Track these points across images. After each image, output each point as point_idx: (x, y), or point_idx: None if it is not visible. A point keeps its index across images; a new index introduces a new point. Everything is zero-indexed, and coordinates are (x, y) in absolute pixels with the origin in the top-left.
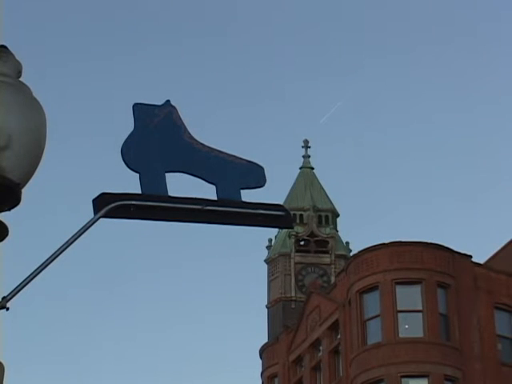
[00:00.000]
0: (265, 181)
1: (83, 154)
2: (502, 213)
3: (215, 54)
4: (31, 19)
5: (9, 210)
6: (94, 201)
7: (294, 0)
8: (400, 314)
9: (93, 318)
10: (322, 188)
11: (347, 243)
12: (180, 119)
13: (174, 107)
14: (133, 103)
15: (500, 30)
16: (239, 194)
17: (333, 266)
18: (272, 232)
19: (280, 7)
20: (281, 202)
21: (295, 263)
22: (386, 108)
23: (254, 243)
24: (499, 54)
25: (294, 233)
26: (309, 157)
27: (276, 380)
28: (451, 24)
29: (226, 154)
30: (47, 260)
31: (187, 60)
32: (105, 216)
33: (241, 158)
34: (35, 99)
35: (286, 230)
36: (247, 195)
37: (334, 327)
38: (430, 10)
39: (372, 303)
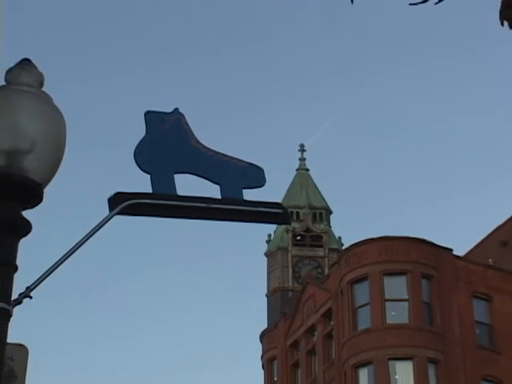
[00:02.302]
0: (264, 181)
1: (100, 157)
2: (481, 210)
3: (219, 67)
4: (51, 34)
5: (32, 207)
6: (109, 199)
7: (293, 8)
8: (387, 303)
9: (95, 312)
10: (317, 188)
11: (339, 238)
12: (187, 125)
13: (181, 114)
14: (144, 111)
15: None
16: (241, 193)
17: (326, 259)
18: (271, 228)
19: (280, 16)
20: (279, 201)
21: (292, 256)
22: (373, 118)
23: (254, 238)
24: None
25: (291, 228)
26: (304, 159)
27: (275, 362)
28: (446, 33)
29: (229, 156)
30: (67, 253)
31: (193, 72)
32: (119, 213)
33: (242, 161)
34: (56, 107)
35: (284, 225)
36: (248, 194)
37: (328, 314)
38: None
39: (362, 292)
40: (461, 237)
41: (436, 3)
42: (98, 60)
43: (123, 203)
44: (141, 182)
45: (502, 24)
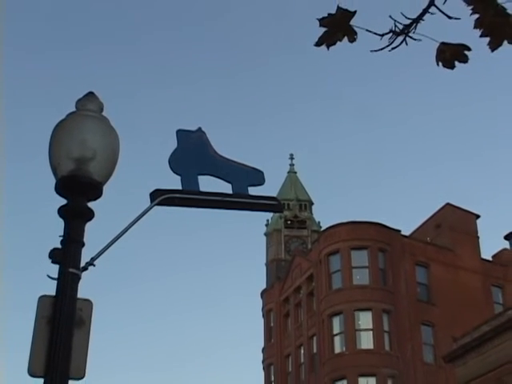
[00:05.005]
0: (264, 181)
1: (144, 163)
2: (421, 201)
3: (228, 94)
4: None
5: (94, 200)
6: (150, 194)
7: (286, 22)
8: (354, 269)
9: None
10: (302, 186)
11: (319, 222)
12: (207, 140)
13: (203, 132)
14: (176, 130)
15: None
16: (247, 189)
17: (309, 238)
18: (269, 215)
19: (275, 31)
20: (274, 195)
21: (284, 236)
22: (345, 131)
23: (257, 222)
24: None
25: (283, 216)
26: (293, 165)
27: (272, 313)
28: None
29: (237, 162)
30: (120, 233)
31: (210, 98)
32: (157, 204)
33: (247, 166)
34: (112, 127)
35: (278, 213)
36: (252, 190)
37: (310, 278)
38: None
39: (335, 262)
40: (407, 221)
41: (390, 50)
42: (143, 91)
43: (161, 197)
44: (173, 182)
45: (438, 64)
